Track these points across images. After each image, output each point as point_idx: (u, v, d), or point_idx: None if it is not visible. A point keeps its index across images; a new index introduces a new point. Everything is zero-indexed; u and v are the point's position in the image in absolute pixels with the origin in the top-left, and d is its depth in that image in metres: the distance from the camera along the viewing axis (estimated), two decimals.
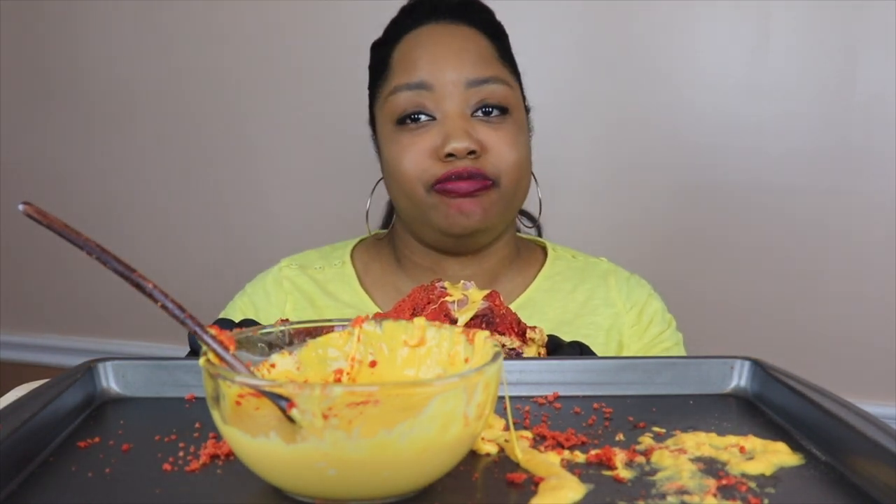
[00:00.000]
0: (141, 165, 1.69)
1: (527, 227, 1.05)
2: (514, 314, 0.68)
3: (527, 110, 0.96)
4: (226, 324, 0.67)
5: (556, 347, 0.67)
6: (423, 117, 0.88)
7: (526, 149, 0.91)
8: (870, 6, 1.35)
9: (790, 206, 1.44)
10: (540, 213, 1.02)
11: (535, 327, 0.67)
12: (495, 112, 0.88)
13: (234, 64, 1.61)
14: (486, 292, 0.68)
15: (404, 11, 0.96)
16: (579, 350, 0.67)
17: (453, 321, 0.66)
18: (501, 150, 0.87)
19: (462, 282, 0.70)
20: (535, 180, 0.97)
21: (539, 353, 0.66)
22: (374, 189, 0.99)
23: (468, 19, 0.93)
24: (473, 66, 0.88)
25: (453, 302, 0.67)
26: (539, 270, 0.99)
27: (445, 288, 0.69)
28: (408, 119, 0.88)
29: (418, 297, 0.69)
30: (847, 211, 1.41)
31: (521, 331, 0.67)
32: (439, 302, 0.68)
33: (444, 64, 0.88)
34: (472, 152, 0.85)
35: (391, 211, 1.09)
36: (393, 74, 0.91)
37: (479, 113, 0.88)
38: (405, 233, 0.95)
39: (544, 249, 1.02)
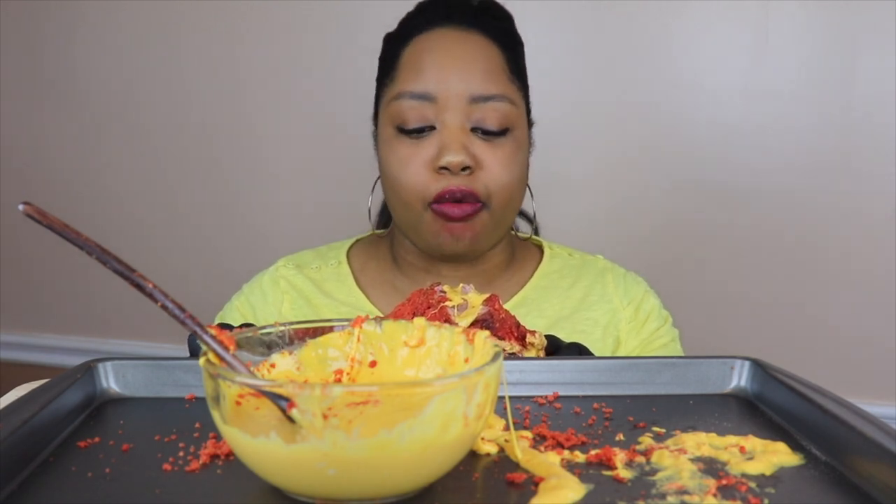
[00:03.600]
0: (141, 166, 1.69)
1: (523, 235, 1.04)
2: (514, 318, 0.68)
3: (530, 124, 0.96)
4: (225, 329, 0.67)
5: (555, 349, 0.67)
6: (423, 128, 0.88)
7: (522, 168, 0.91)
8: (869, 7, 1.35)
9: (790, 206, 1.44)
10: (533, 225, 1.02)
11: (534, 332, 0.67)
12: (495, 131, 0.88)
13: (235, 63, 1.61)
14: (485, 296, 0.68)
15: (420, 8, 0.95)
16: (578, 352, 0.67)
17: (453, 325, 0.66)
18: (495, 170, 0.87)
19: (461, 285, 0.70)
20: (531, 193, 0.97)
21: (538, 357, 0.66)
22: (374, 187, 0.99)
23: (483, 27, 0.92)
24: (480, 80, 0.88)
25: (453, 307, 0.68)
26: (536, 269, 0.99)
27: (445, 292, 0.69)
28: (407, 128, 0.88)
29: (418, 302, 0.69)
30: (847, 211, 1.41)
31: (520, 335, 0.67)
32: (439, 307, 0.68)
33: (450, 75, 0.87)
34: (466, 167, 0.86)
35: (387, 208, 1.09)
36: (399, 77, 0.90)
37: (479, 130, 0.88)
38: (401, 235, 0.96)
39: (540, 248, 1.03)
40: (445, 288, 0.70)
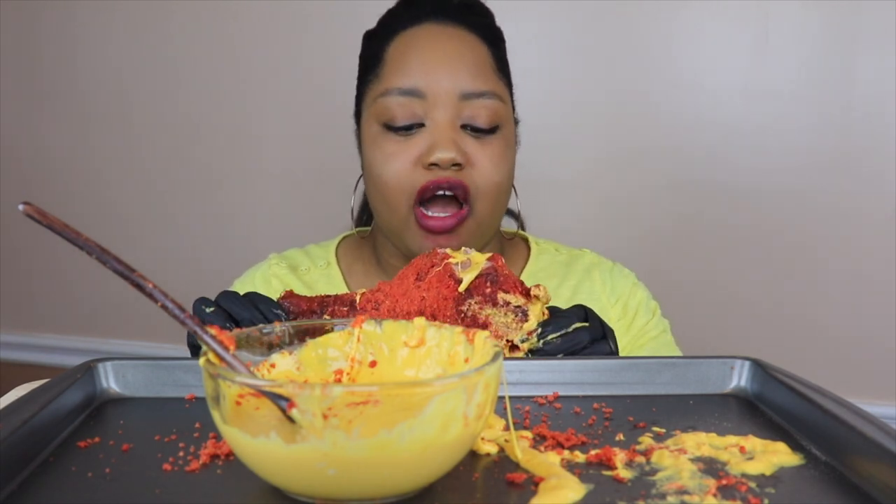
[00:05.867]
0: (141, 166, 1.69)
1: (509, 232, 1.03)
2: (516, 276, 0.68)
3: (515, 122, 0.95)
4: (231, 296, 0.67)
5: (556, 310, 0.67)
6: (411, 124, 0.86)
7: (510, 166, 0.90)
8: (869, 7, 1.35)
9: (790, 206, 1.44)
10: (519, 222, 1.01)
11: (538, 285, 0.67)
12: (486, 128, 0.87)
13: (235, 63, 1.61)
14: (488, 255, 0.69)
15: (404, 4, 0.94)
16: (584, 315, 0.67)
17: (458, 281, 0.66)
18: (486, 168, 0.86)
19: (463, 248, 0.71)
20: (516, 193, 0.96)
21: (543, 313, 0.67)
22: (356, 186, 0.98)
23: (469, 23, 0.91)
24: (470, 76, 0.86)
25: (457, 263, 0.68)
26: (523, 267, 0.99)
27: (448, 252, 0.69)
28: (396, 125, 0.86)
29: (421, 264, 0.70)
30: (847, 211, 1.41)
31: (524, 291, 0.67)
32: (443, 264, 0.68)
33: (439, 72, 0.86)
34: (456, 164, 0.84)
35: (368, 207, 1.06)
36: (385, 73, 0.88)
37: (469, 127, 0.86)
38: (383, 236, 0.94)
39: (527, 243, 1.02)
40: (448, 250, 0.70)
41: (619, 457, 0.46)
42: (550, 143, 1.46)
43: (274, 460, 0.40)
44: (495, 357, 0.43)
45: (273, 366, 0.50)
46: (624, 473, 0.45)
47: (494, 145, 0.87)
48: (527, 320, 0.65)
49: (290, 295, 0.69)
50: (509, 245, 1.02)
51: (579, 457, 0.47)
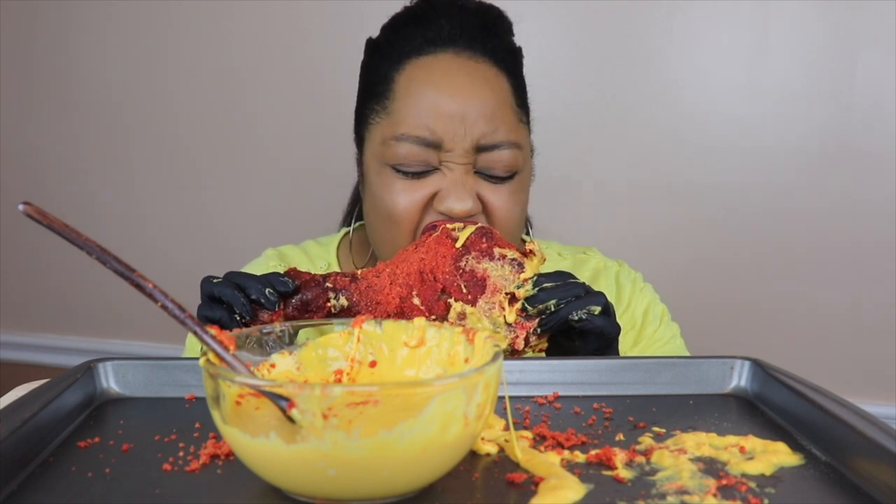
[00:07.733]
0: (138, 166, 1.69)
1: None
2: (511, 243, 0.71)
3: (531, 152, 0.90)
4: (237, 272, 0.68)
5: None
6: (423, 171, 0.81)
7: (525, 207, 0.86)
8: (869, 6, 1.35)
9: (791, 206, 1.44)
10: (526, 227, 0.99)
11: (533, 241, 0.69)
12: (502, 176, 0.82)
13: (233, 62, 1.61)
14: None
15: (414, 19, 0.86)
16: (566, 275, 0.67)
17: (455, 240, 0.69)
18: (501, 213, 0.82)
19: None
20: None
21: (537, 272, 0.68)
22: (352, 194, 0.96)
23: (489, 50, 0.84)
24: (489, 126, 0.80)
25: (453, 227, 0.71)
26: None
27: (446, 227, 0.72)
28: (407, 171, 0.81)
29: (420, 240, 0.72)
30: (847, 211, 1.41)
31: (520, 250, 0.69)
32: (440, 229, 0.71)
33: (457, 120, 0.80)
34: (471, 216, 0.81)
35: (354, 207, 1.04)
36: (395, 111, 0.82)
37: (485, 174, 0.82)
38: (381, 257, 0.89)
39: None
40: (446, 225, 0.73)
41: (619, 457, 0.46)
42: (555, 142, 1.46)
43: (274, 460, 0.40)
44: (495, 357, 0.43)
45: (273, 366, 0.50)
46: (624, 473, 0.45)
47: (511, 190, 0.83)
48: (523, 271, 0.67)
49: (292, 269, 0.70)
50: None
51: (579, 457, 0.47)
